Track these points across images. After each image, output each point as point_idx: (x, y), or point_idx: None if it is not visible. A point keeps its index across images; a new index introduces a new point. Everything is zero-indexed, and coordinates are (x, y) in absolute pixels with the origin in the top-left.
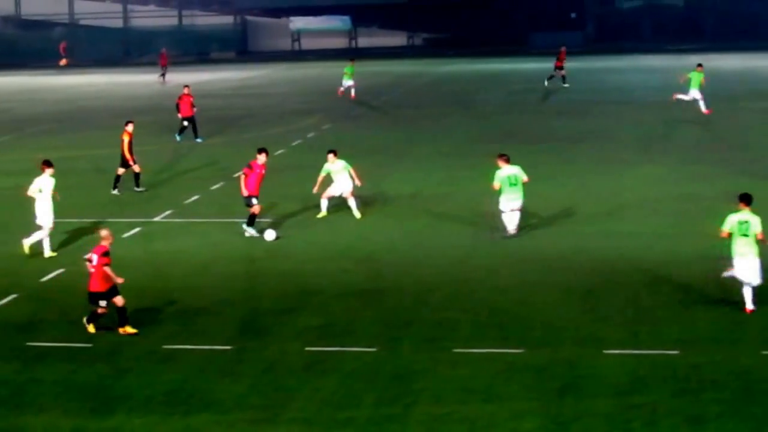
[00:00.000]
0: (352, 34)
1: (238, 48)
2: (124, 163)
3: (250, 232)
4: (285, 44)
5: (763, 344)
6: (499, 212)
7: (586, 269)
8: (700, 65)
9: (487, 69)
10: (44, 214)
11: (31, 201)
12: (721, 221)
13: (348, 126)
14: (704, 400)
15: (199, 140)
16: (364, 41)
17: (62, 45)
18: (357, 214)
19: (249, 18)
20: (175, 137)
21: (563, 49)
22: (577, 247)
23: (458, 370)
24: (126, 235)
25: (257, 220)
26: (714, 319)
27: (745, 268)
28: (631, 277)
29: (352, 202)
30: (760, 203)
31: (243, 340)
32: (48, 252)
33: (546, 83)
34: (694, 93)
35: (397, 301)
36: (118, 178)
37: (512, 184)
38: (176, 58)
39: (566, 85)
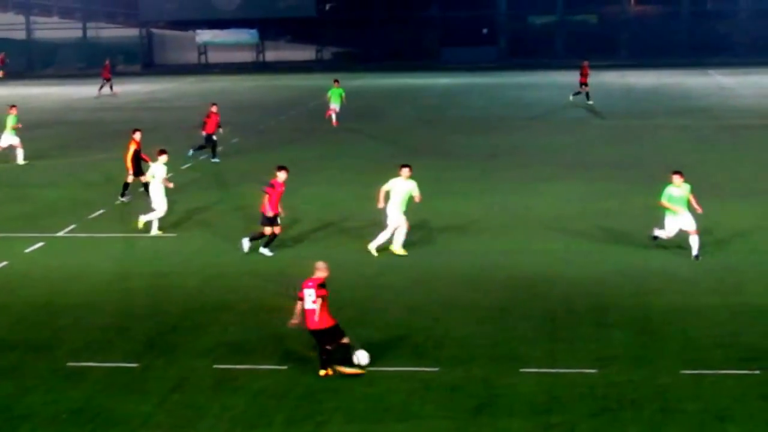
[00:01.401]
0: (259, 48)
1: (144, 61)
2: (136, 172)
3: (267, 253)
4: (192, 57)
5: (682, 363)
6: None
7: (500, 287)
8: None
9: (398, 84)
10: (157, 198)
11: None
12: (637, 238)
13: (256, 140)
14: (623, 420)
15: (216, 160)
16: (271, 55)
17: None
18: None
19: (155, 31)
20: (188, 152)
21: (585, 63)
22: (490, 264)
23: (371, 389)
24: (28, 250)
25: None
26: (631, 337)
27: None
28: (546, 294)
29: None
30: None
31: (149, 357)
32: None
33: (571, 98)
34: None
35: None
36: (126, 185)
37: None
38: (82, 71)
39: (590, 102)
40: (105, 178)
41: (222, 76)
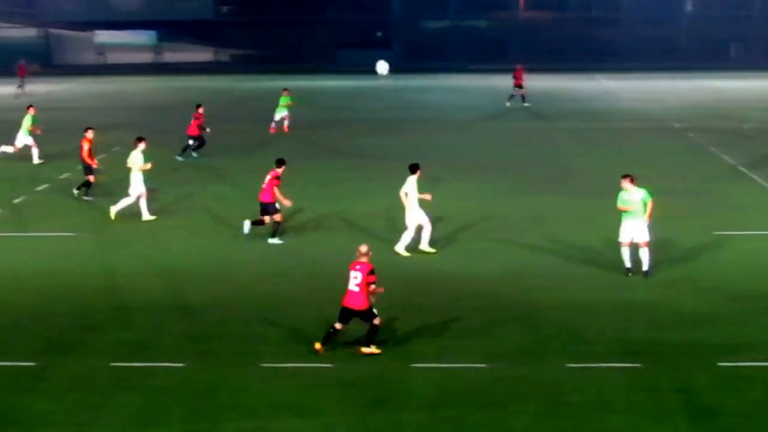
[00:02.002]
0: (157, 49)
1: (43, 61)
2: (89, 170)
3: (276, 241)
4: (90, 58)
5: (568, 358)
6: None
7: (392, 284)
8: None
9: (294, 86)
10: (135, 185)
11: None
12: (525, 237)
13: (153, 141)
14: (511, 413)
15: (194, 155)
16: (170, 56)
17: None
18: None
19: (53, 31)
20: (191, 154)
21: (519, 67)
22: (384, 263)
23: (267, 385)
24: None
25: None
26: (519, 332)
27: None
28: (438, 291)
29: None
30: (569, 220)
31: (47, 356)
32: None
33: (507, 104)
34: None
35: (205, 315)
36: (87, 184)
37: None
38: None
39: (527, 105)
40: (4, 177)
41: (120, 77)
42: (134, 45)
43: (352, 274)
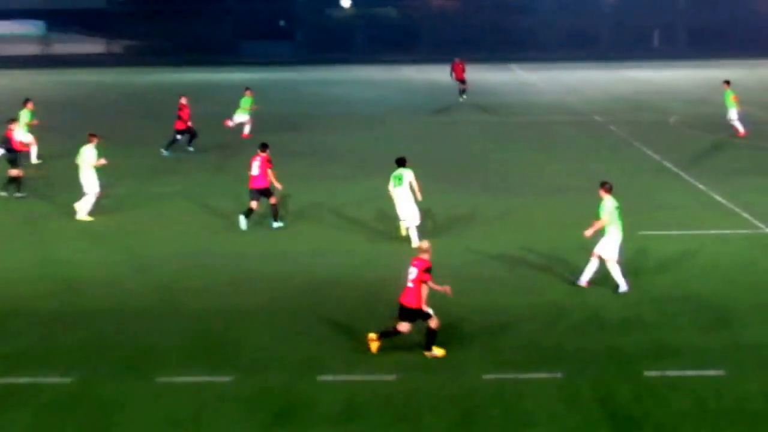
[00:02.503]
0: (46, 41)
1: None
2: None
3: (277, 224)
4: None
5: (485, 367)
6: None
7: (298, 290)
8: None
9: (193, 79)
10: (88, 182)
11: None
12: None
13: (43, 137)
14: (424, 427)
15: (190, 149)
16: (59, 48)
17: None
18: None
19: None
20: (188, 148)
21: (457, 60)
22: (286, 266)
23: (162, 401)
24: None
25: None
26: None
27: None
28: (345, 297)
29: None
30: (485, 219)
31: None
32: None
33: (461, 99)
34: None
35: (97, 326)
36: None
37: None
38: None
39: (462, 99)
40: None
41: (5, 70)
42: (20, 36)
43: (410, 270)
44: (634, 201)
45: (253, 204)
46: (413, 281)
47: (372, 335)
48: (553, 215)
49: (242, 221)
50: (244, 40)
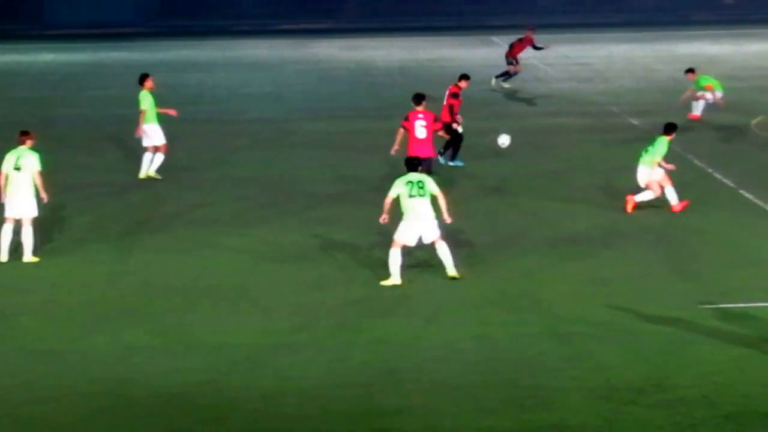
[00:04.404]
0: None
1: None
2: None
3: None
4: None
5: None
6: None
7: None
8: None
9: None
10: None
11: None
12: None
13: None
14: None
15: None
16: None
17: None
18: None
19: None
20: None
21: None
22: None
23: None
24: None
25: None
26: None
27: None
28: None
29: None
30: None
31: None
32: None
33: (504, 83)
34: None
35: None
36: None
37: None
38: None
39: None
40: None
41: None
42: None
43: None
44: (694, 253)
45: None
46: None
47: None
48: None
49: None
50: (56, 3)
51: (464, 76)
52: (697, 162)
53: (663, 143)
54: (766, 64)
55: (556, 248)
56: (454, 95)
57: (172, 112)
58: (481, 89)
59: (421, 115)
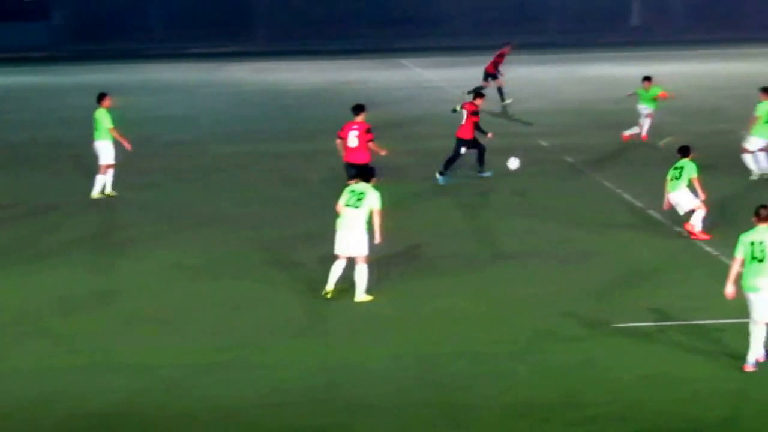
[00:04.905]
0: None
1: None
2: None
3: None
4: None
5: None
6: None
7: None
8: None
9: None
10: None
11: None
12: None
13: None
14: None
15: None
16: None
17: None
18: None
19: None
20: None
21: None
22: None
23: None
24: None
25: None
26: None
27: None
28: None
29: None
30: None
31: None
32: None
33: (504, 102)
34: None
35: None
36: None
37: None
38: None
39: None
40: None
41: None
42: None
43: None
44: (605, 273)
45: None
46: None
47: None
48: None
49: None
50: None
51: (479, 95)
52: (607, 183)
53: (691, 164)
54: (670, 85)
55: (472, 268)
56: (474, 113)
57: (126, 143)
58: (388, 112)
59: (355, 126)
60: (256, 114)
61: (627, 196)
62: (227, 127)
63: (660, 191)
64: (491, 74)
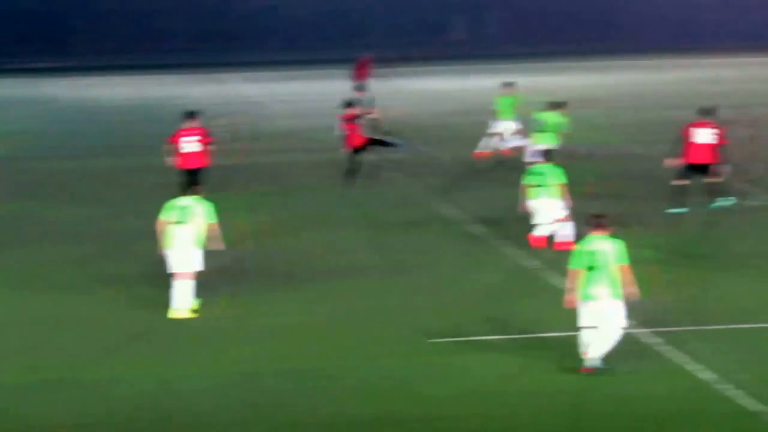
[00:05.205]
0: None
1: None
2: None
3: None
4: None
5: None
6: None
7: None
8: None
9: None
10: None
11: None
12: None
13: None
14: None
15: None
16: None
17: None
18: None
19: None
20: None
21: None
22: None
23: None
24: None
25: None
26: None
27: None
28: None
29: None
30: None
31: None
32: None
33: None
34: None
35: None
36: None
37: None
38: None
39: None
40: None
41: None
42: None
43: None
44: (424, 289)
45: None
46: None
47: None
48: None
49: None
50: None
51: (350, 105)
52: (428, 196)
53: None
54: (488, 99)
55: (305, 282)
56: (355, 118)
57: None
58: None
59: (193, 132)
60: (75, 130)
61: (447, 210)
62: (45, 143)
63: (483, 202)
64: (362, 84)
